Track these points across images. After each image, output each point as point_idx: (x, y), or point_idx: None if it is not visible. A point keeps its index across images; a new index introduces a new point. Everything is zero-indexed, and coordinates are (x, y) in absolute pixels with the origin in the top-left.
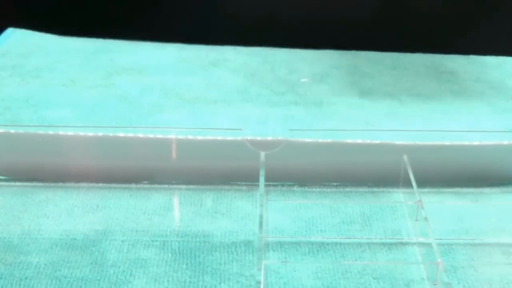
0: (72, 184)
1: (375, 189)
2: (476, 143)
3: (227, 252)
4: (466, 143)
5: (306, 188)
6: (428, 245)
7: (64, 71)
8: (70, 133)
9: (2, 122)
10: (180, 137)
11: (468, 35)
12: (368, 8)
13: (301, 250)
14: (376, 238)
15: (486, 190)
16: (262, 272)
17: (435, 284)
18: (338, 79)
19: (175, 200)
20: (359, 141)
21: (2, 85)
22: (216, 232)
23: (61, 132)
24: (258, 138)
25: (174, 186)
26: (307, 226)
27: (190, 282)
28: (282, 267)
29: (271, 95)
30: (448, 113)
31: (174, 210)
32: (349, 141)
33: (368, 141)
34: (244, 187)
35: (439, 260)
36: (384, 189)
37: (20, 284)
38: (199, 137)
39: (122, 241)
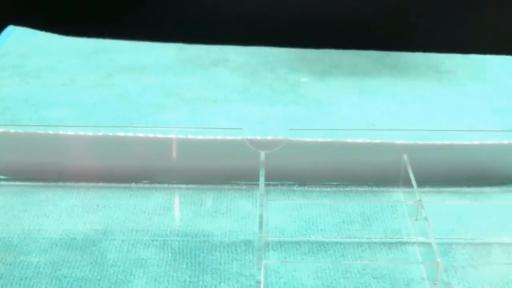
0: (72, 183)
1: (375, 189)
2: (476, 142)
3: (227, 251)
4: (466, 142)
5: (306, 188)
6: (428, 244)
7: (64, 71)
8: (70, 132)
9: (2, 122)
10: (180, 136)
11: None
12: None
13: (301, 250)
14: (376, 238)
15: (486, 189)
16: (262, 271)
17: (435, 284)
18: (338, 79)
19: (175, 200)
20: (359, 140)
21: (2, 85)
22: (216, 231)
23: (61, 132)
24: (258, 138)
25: (174, 185)
26: (307, 225)
27: (190, 281)
28: (282, 267)
29: (271, 95)
30: (448, 114)
31: (174, 210)
32: (349, 140)
33: (368, 141)
34: (244, 187)
35: (439, 260)
36: (384, 189)
37: (20, 284)
38: (199, 137)
39: (122, 241)
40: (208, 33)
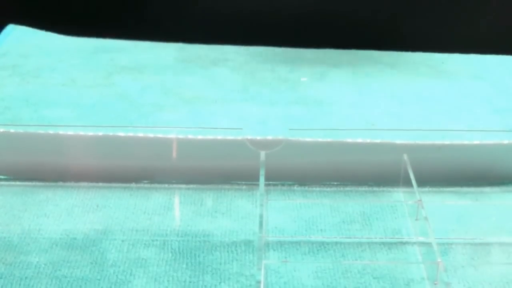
0: (72, 183)
1: (375, 189)
2: (476, 142)
3: (227, 251)
4: (466, 142)
5: (306, 188)
6: (428, 244)
7: (64, 71)
8: (70, 132)
9: (2, 122)
10: (180, 136)
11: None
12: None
13: (301, 250)
14: (376, 238)
15: (486, 189)
16: (262, 271)
17: (435, 284)
18: (338, 79)
19: (175, 200)
20: (359, 140)
21: (2, 85)
22: (216, 231)
23: (61, 132)
24: (258, 138)
25: (174, 185)
26: (307, 225)
27: (190, 281)
28: (282, 267)
29: (271, 95)
30: (449, 113)
31: (174, 210)
32: (349, 140)
33: (368, 141)
34: (244, 187)
35: (439, 260)
36: (384, 189)
37: (20, 284)
38: (199, 137)
39: (122, 241)
40: (208, 33)
